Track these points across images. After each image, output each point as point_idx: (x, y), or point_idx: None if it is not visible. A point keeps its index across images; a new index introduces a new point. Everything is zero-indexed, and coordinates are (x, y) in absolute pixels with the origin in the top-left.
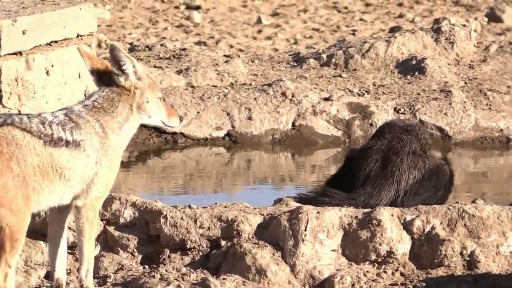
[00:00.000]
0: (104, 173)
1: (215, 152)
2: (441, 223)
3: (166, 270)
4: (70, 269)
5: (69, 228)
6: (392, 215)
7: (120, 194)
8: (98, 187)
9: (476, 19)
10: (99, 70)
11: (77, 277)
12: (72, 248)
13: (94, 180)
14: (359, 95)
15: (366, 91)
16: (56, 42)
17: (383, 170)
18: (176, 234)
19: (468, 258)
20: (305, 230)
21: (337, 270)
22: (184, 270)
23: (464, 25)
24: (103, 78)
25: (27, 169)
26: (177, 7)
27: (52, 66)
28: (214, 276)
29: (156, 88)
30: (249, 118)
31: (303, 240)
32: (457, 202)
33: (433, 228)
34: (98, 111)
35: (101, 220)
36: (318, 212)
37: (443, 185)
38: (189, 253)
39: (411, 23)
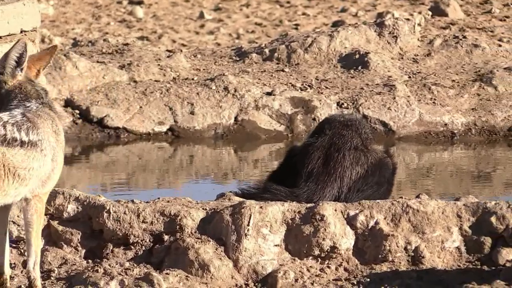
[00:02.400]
0: (58, 169)
1: (157, 147)
2: (385, 218)
3: (109, 265)
4: (14, 263)
5: (14, 222)
6: (335, 210)
7: (63, 189)
8: (52, 182)
9: (420, 12)
10: None
11: (21, 271)
12: (17, 242)
13: (51, 176)
14: (301, 90)
15: (309, 86)
16: (0, 37)
17: (326, 167)
18: (119, 229)
19: (412, 254)
20: (248, 225)
21: (281, 265)
22: (127, 264)
23: (408, 19)
24: None
25: None
26: (119, 2)
27: None
28: (157, 271)
29: None
30: (192, 113)
31: (246, 235)
32: (401, 197)
33: (376, 223)
34: (53, 109)
35: (45, 214)
36: (261, 207)
37: (386, 179)
38: (132, 247)
39: (354, 17)
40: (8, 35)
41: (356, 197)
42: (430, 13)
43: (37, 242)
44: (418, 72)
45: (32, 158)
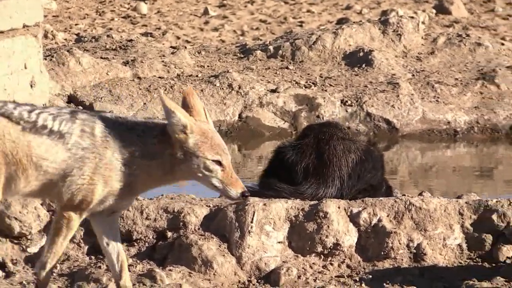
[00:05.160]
0: (82, 179)
1: None
2: (387, 216)
3: None
4: (16, 259)
5: (15, 218)
6: (338, 208)
7: None
8: (71, 189)
9: (424, 11)
10: None
11: (23, 268)
12: (18, 238)
13: (67, 180)
14: (306, 87)
15: (313, 83)
16: (2, 32)
17: (321, 160)
18: (122, 225)
19: (414, 251)
20: (252, 222)
21: (284, 262)
22: (130, 261)
23: (412, 17)
24: None
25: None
26: None
27: None
28: (160, 267)
29: (210, 150)
30: None
31: (249, 232)
32: (404, 195)
33: (379, 220)
34: (115, 123)
35: (48, 211)
36: (264, 204)
37: (380, 165)
38: (136, 244)
39: (359, 14)
40: (10, 30)
41: (359, 184)
42: (434, 11)
43: (59, 250)
44: (422, 70)
45: (56, 151)
